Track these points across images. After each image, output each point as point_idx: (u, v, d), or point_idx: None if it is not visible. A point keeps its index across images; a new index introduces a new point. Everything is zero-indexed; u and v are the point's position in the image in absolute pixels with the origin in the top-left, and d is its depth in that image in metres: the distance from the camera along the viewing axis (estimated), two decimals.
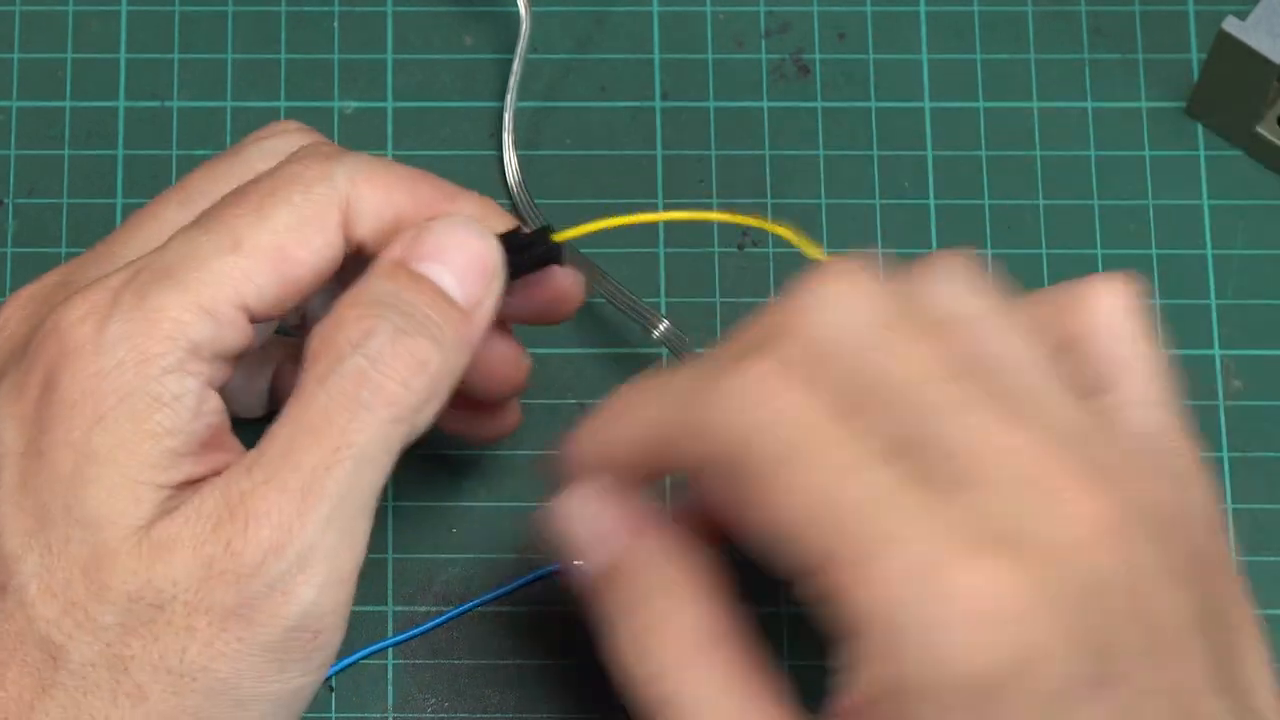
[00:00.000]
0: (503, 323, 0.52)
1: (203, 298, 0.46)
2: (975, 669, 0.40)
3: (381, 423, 0.46)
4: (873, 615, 0.41)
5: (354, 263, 0.50)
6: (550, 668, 0.57)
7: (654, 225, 0.61)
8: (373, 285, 0.47)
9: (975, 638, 0.40)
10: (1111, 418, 0.45)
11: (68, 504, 0.45)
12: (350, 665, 0.57)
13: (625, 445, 0.47)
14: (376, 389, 0.45)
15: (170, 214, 0.50)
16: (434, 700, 0.57)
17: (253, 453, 0.46)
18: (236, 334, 0.47)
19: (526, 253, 0.50)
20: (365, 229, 0.48)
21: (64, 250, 0.60)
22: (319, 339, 0.46)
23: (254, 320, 0.47)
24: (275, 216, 0.47)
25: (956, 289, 0.45)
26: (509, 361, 0.53)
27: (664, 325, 0.57)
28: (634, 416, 0.47)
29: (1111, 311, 0.46)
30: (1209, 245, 0.61)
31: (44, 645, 0.45)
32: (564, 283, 0.52)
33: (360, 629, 0.57)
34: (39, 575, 0.45)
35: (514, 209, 0.60)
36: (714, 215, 0.58)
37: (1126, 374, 0.46)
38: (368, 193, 0.48)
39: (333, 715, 0.56)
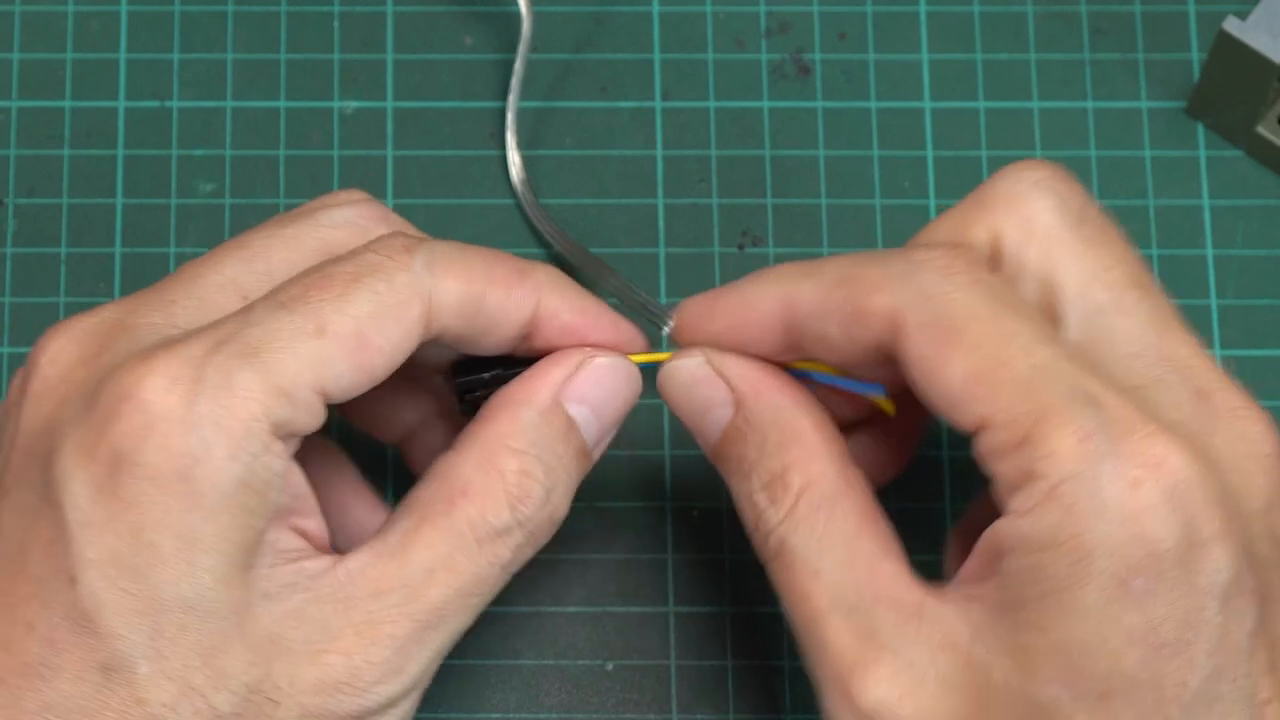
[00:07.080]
0: None
1: (284, 380, 0.46)
2: (1153, 535, 0.42)
3: (505, 576, 0.48)
4: (1050, 472, 0.43)
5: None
6: (550, 668, 0.57)
7: (654, 223, 0.61)
8: (531, 423, 0.49)
9: (1155, 505, 0.42)
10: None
11: (178, 590, 0.44)
12: None
13: (765, 313, 0.49)
14: (518, 551, 0.48)
15: (231, 269, 0.49)
16: (434, 700, 0.57)
17: (378, 566, 0.47)
18: (309, 417, 0.46)
19: None
20: (447, 318, 0.48)
21: (64, 250, 0.60)
22: (479, 465, 0.48)
23: (327, 403, 0.47)
24: (358, 303, 0.47)
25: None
26: None
27: (674, 322, 0.57)
28: (797, 282, 0.48)
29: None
30: (1209, 245, 0.61)
31: None
32: None
33: None
34: (150, 658, 0.44)
35: (518, 209, 0.60)
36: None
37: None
38: (450, 284, 0.48)
39: None
